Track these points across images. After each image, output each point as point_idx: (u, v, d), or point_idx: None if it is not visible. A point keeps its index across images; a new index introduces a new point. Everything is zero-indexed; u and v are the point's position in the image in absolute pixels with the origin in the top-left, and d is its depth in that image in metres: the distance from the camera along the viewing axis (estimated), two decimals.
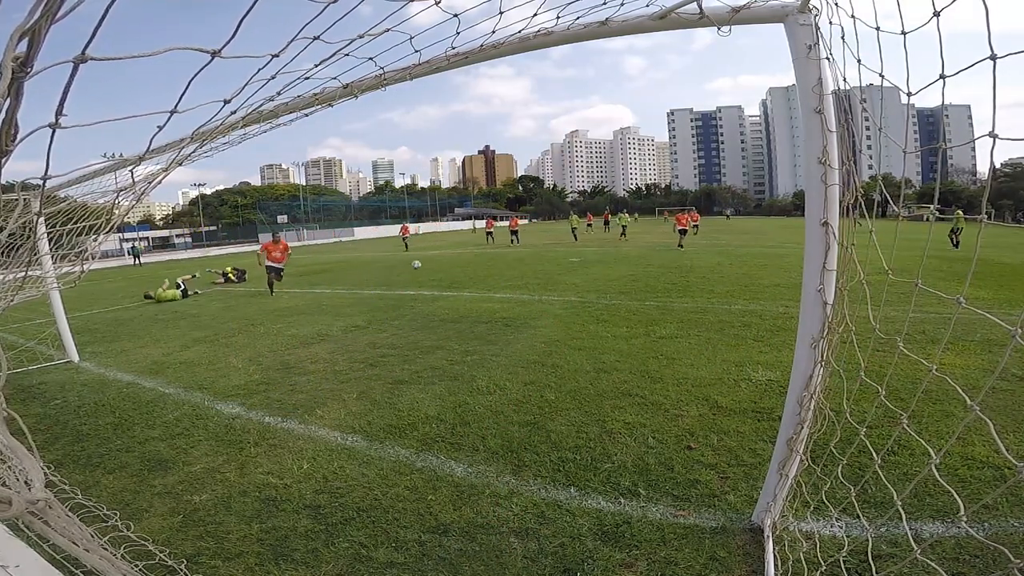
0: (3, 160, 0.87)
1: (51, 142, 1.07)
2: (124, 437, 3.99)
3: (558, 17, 2.05)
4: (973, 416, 1.12)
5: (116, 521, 2.28)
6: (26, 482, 0.85)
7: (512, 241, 26.95)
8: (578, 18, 2.07)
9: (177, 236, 56.24)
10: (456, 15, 1.78)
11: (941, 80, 1.17)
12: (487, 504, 2.79)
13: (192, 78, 1.23)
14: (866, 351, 1.90)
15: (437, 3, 1.66)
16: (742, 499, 2.70)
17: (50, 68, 0.83)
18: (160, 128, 1.84)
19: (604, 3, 2.00)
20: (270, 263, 11.83)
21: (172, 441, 3.86)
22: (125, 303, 12.00)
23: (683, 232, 19.47)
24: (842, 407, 2.11)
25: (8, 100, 0.75)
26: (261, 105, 2.45)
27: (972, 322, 5.69)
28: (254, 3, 1.08)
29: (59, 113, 0.95)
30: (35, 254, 3.42)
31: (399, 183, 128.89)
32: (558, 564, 2.30)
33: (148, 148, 2.44)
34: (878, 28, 1.51)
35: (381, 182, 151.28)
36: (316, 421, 4.07)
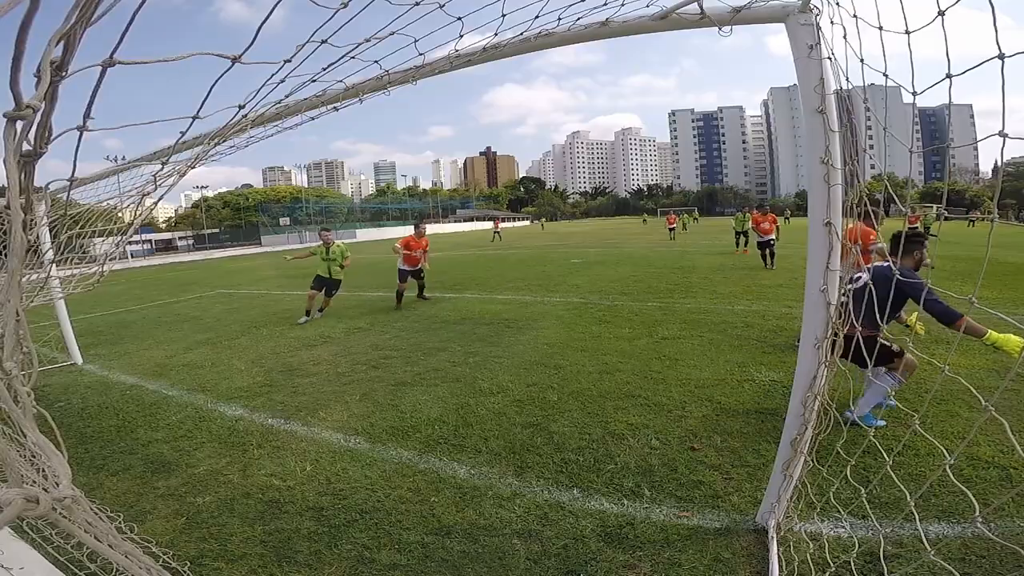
0: (36, 160, 0.89)
1: (78, 144, 1.09)
2: (127, 439, 4.00)
3: (559, 18, 2.06)
4: (987, 417, 1.11)
5: (120, 523, 2.28)
6: (53, 478, 0.85)
7: None
8: (579, 19, 2.07)
9: (180, 238, 56.37)
10: (460, 18, 1.78)
11: (948, 80, 1.17)
12: (490, 506, 2.78)
13: (213, 84, 1.26)
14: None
15: (441, 6, 1.66)
16: (746, 500, 2.69)
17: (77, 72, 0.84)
18: (183, 134, 1.86)
19: (605, 4, 2.00)
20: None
21: (175, 443, 3.86)
22: (128, 305, 12.04)
23: (765, 245, 12.45)
24: (847, 407, 2.10)
25: (44, 103, 0.77)
26: (269, 108, 2.47)
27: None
28: (271, 12, 1.09)
29: (87, 116, 0.97)
30: (58, 255, 3.46)
31: (401, 185, 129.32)
32: (561, 566, 2.29)
33: (172, 151, 2.46)
34: (881, 27, 1.50)
35: (383, 184, 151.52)
36: (319, 423, 4.07)
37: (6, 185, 0.79)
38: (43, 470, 1.06)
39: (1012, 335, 2.73)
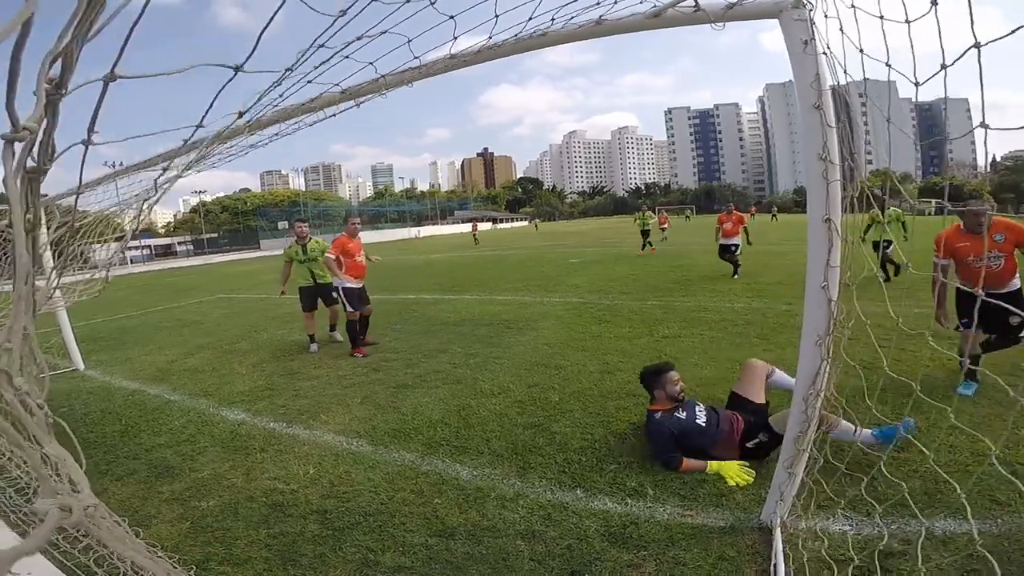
0: (41, 178, 0.89)
1: (84, 158, 1.09)
2: (131, 444, 4.00)
3: (553, 19, 2.05)
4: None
5: (125, 528, 2.28)
6: (74, 489, 0.86)
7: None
8: (572, 17, 2.07)
9: (179, 243, 56.36)
10: (452, 16, 1.78)
11: (943, 70, 1.17)
12: (493, 507, 2.78)
13: (218, 93, 1.27)
14: (873, 348, 1.89)
15: (432, 3, 1.66)
16: (750, 498, 2.69)
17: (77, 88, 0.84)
18: (185, 142, 1.87)
19: (598, 2, 1.99)
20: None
21: (178, 448, 3.86)
22: (129, 311, 12.03)
23: (726, 249, 10.38)
24: (851, 403, 2.11)
25: (45, 120, 0.77)
26: (266, 112, 2.47)
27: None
28: (269, 22, 1.10)
29: (91, 131, 0.98)
30: (60, 264, 3.47)
31: (398, 187, 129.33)
32: (565, 566, 2.29)
33: (174, 155, 2.46)
34: (858, 31, 1.50)
35: (381, 187, 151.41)
36: (321, 426, 4.07)
37: (7, 204, 0.79)
38: (55, 480, 1.07)
39: (732, 464, 2.94)
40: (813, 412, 2.19)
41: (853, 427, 2.69)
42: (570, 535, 2.49)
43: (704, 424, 3.13)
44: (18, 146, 0.76)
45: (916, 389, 1.59)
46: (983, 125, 1.15)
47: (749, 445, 2.99)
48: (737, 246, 10.35)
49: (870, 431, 2.84)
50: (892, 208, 8.24)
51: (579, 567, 2.27)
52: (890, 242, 8.16)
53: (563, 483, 2.98)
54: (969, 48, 1.10)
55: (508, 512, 2.72)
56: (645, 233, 16.67)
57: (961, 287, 3.80)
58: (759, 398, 3.21)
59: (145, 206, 2.99)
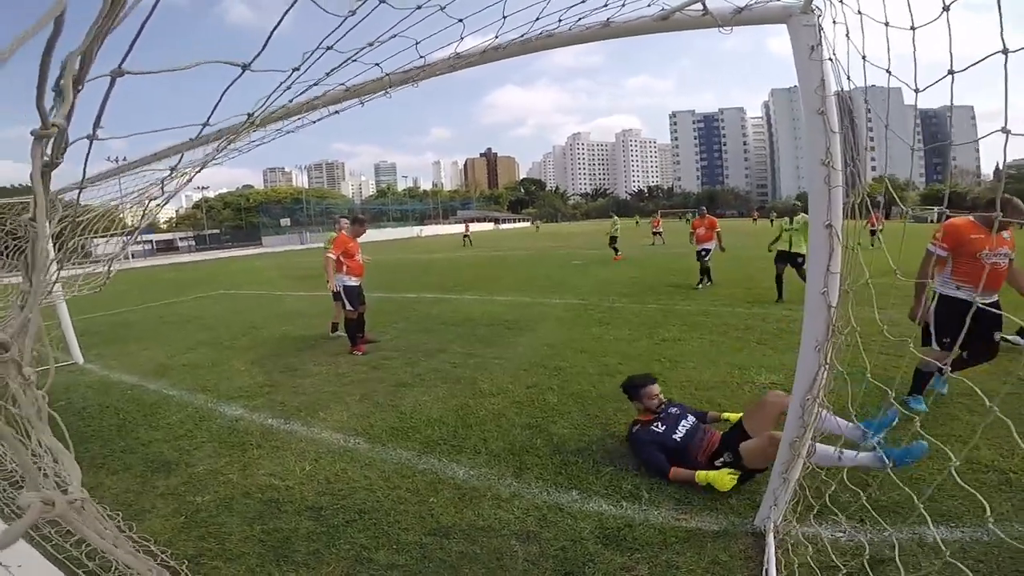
0: (52, 170, 0.91)
1: (88, 152, 1.10)
2: (128, 438, 4.00)
3: (560, 20, 2.05)
4: (990, 420, 1.11)
5: (119, 522, 2.29)
6: (57, 480, 0.87)
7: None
8: (579, 19, 2.07)
9: (181, 239, 56.47)
10: (461, 20, 1.78)
11: (949, 76, 1.16)
12: (488, 507, 2.78)
13: (224, 91, 1.28)
14: (872, 354, 1.89)
15: (442, 8, 1.66)
16: (744, 503, 2.68)
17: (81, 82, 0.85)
18: (192, 140, 1.87)
19: (606, 4, 2.00)
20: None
21: (175, 443, 3.86)
22: (130, 305, 12.05)
23: (701, 255, 9.92)
24: (846, 410, 2.10)
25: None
26: (272, 112, 2.48)
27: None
28: (280, 21, 1.10)
29: (96, 125, 0.98)
30: (61, 257, 3.48)
31: (401, 186, 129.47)
32: (559, 567, 2.29)
33: (181, 156, 2.47)
34: (859, 38, 1.50)
35: (384, 185, 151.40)
36: (318, 423, 4.07)
37: (31, 198, 0.79)
38: (44, 470, 1.07)
39: (724, 473, 2.80)
40: (810, 417, 2.18)
41: (835, 450, 2.35)
42: (565, 536, 2.49)
43: (679, 439, 3.05)
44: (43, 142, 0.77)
45: (891, 395, 1.58)
46: (972, 141, 1.15)
47: (716, 463, 2.90)
48: (708, 251, 9.89)
49: (871, 453, 2.47)
50: (802, 215, 7.67)
51: (573, 569, 2.27)
52: (804, 258, 7.36)
53: (559, 484, 2.98)
54: (971, 64, 1.10)
55: (503, 512, 2.72)
56: (612, 239, 16.99)
57: (955, 294, 3.54)
58: (757, 433, 2.92)
59: (154, 205, 3.00)
